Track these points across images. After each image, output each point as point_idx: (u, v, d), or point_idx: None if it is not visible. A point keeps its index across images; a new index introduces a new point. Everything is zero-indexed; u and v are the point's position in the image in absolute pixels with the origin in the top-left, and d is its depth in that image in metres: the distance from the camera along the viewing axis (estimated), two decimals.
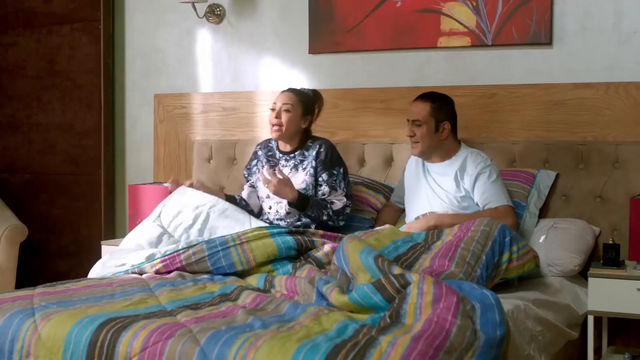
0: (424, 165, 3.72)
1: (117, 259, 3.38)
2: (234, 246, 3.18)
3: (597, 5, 3.82)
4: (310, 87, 4.02)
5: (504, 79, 3.99)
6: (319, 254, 3.29)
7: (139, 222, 4.02)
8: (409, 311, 2.32)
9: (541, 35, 3.89)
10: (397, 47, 4.22)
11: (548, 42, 3.89)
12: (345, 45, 4.34)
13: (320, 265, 3.21)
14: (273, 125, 3.74)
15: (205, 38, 4.77)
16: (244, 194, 3.98)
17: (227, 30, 4.70)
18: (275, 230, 3.31)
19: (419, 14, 4.14)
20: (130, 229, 4.14)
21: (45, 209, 5.25)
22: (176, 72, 4.87)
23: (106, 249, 4.21)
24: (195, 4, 4.61)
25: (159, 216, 3.71)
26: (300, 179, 3.72)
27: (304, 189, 3.70)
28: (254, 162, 3.95)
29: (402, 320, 2.29)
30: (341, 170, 3.72)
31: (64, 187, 5.19)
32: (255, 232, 3.27)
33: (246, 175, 4.00)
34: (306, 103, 3.79)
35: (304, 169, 3.74)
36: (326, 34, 4.38)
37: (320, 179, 3.70)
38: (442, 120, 3.60)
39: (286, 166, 3.79)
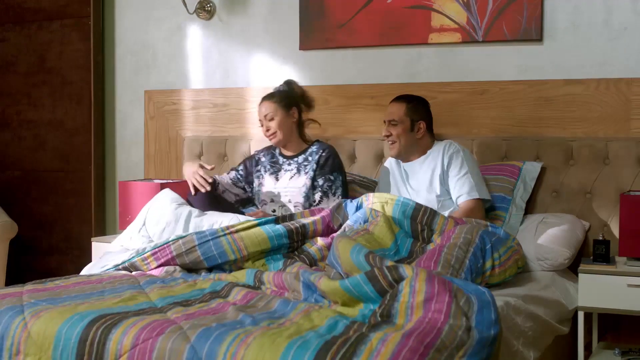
0: (399, 166, 3.76)
1: (104, 262, 3.38)
2: (224, 235, 3.18)
3: (587, 2, 3.83)
4: (302, 84, 4.02)
5: (495, 75, 4.00)
6: (312, 249, 3.28)
7: (129, 219, 4.01)
8: (400, 311, 2.31)
9: (532, 31, 3.89)
10: (388, 44, 4.22)
11: (538, 39, 3.90)
12: (336, 42, 4.34)
13: (313, 262, 3.21)
14: (268, 136, 3.83)
15: (195, 34, 4.76)
16: (220, 179, 3.93)
17: (217, 26, 4.70)
18: (262, 220, 3.32)
19: (409, 10, 4.14)
20: (121, 226, 4.13)
21: (36, 205, 5.23)
22: (166, 69, 4.86)
23: (96, 245, 4.19)
24: (186, 0, 4.60)
25: (144, 224, 3.70)
26: (301, 183, 3.74)
27: (304, 192, 3.71)
28: (258, 167, 3.93)
29: (394, 320, 2.28)
30: (339, 176, 3.73)
31: (54, 184, 5.18)
32: (244, 224, 3.28)
33: (243, 174, 3.96)
34: (282, 100, 3.83)
35: (306, 172, 3.75)
36: (317, 30, 4.38)
37: (315, 183, 3.72)
38: (417, 120, 3.69)
39: (289, 170, 3.82)
